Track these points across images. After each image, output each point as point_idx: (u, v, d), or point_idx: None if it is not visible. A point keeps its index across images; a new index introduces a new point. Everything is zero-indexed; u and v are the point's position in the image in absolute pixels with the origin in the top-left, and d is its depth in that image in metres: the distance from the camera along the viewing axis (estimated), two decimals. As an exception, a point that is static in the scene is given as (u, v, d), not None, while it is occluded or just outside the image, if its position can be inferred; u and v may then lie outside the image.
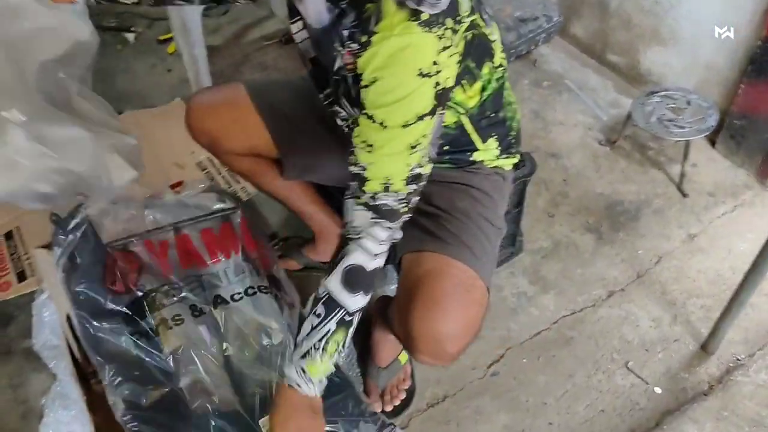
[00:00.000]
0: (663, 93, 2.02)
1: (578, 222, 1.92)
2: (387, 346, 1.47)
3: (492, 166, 1.28)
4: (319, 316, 1.03)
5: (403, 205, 1.01)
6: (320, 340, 1.03)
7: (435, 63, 0.91)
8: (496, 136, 1.25)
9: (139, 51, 2.70)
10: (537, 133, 2.19)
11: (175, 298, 1.34)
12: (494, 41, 1.13)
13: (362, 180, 0.99)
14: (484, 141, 1.24)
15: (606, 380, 1.56)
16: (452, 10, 0.93)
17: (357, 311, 1.05)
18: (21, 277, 1.71)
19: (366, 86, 0.94)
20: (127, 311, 1.31)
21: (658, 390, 1.54)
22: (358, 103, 0.98)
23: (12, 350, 1.62)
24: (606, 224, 1.92)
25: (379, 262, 1.04)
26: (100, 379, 1.41)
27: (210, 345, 1.30)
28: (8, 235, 1.81)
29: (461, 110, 1.16)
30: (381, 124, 0.94)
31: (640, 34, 2.22)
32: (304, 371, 1.04)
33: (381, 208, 0.99)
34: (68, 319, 1.39)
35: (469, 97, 1.14)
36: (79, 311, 1.31)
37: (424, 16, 0.89)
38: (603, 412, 1.51)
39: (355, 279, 1.02)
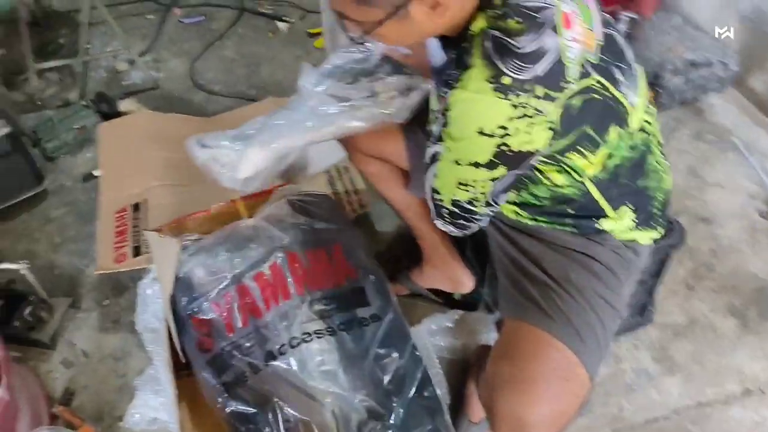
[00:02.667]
0: None
1: (721, 301, 1.71)
2: (481, 400, 1.36)
3: (624, 239, 1.13)
4: None
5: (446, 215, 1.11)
6: None
7: (503, 127, 0.91)
8: (631, 207, 1.11)
9: (288, 41, 2.74)
10: (690, 191, 1.98)
11: (234, 360, 1.35)
12: (629, 105, 1.02)
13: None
14: (615, 209, 1.10)
15: (726, 492, 1.37)
16: (551, 78, 0.90)
17: None
18: (136, 252, 1.70)
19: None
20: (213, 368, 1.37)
21: None
22: None
23: (120, 321, 1.67)
24: (754, 310, 1.69)
25: None
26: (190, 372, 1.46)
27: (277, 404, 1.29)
28: (136, 207, 1.84)
29: (579, 176, 1.04)
30: (446, 147, 1.00)
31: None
32: None
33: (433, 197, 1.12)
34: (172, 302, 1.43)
35: (591, 163, 1.02)
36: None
37: (506, 80, 0.88)
38: None
39: None
